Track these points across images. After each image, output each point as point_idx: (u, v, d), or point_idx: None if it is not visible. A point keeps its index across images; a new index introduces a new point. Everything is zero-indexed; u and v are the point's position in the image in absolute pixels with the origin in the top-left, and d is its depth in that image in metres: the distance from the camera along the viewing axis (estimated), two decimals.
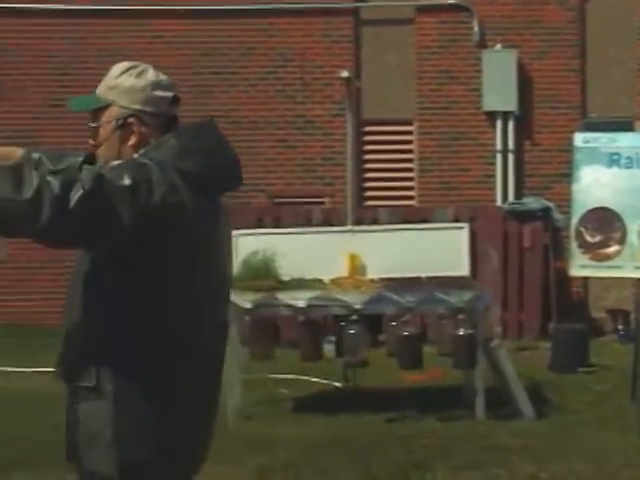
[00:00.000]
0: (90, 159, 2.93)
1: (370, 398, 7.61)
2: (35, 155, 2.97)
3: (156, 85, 2.74)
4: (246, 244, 7.81)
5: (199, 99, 12.12)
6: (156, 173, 2.53)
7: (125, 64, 2.79)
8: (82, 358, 2.63)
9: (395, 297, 7.30)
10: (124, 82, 2.73)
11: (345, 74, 11.95)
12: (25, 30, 12.06)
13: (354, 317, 7.18)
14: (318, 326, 7.53)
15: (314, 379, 8.40)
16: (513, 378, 7.32)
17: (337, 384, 8.10)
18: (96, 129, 2.76)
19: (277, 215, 11.02)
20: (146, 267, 2.59)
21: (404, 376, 8.04)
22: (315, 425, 6.95)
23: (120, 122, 2.71)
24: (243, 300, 7.12)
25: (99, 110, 2.75)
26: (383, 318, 7.74)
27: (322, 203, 12.11)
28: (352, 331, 7.16)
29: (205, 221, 2.66)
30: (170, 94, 2.77)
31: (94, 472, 2.63)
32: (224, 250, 2.80)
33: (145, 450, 2.61)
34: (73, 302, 2.69)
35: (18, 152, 2.97)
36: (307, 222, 10.71)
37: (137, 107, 2.72)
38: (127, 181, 2.48)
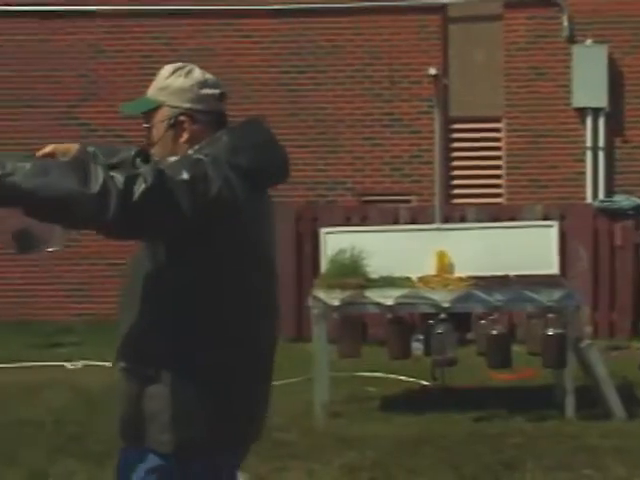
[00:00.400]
0: (140, 153, 3.13)
1: (458, 397, 7.57)
2: (90, 149, 3.14)
3: (203, 83, 2.88)
4: (334, 242, 7.83)
5: (287, 97, 12.21)
6: (211, 168, 2.66)
7: (173, 65, 2.93)
8: (142, 346, 2.77)
9: (484, 295, 7.25)
10: (173, 83, 2.86)
11: (433, 71, 11.90)
12: (118, 31, 12.29)
13: (442, 315, 7.14)
14: (406, 324, 7.51)
15: (401, 377, 8.38)
16: (604, 378, 7.21)
17: (425, 383, 8.07)
18: (150, 129, 2.90)
19: (364, 214, 11.02)
20: (202, 258, 2.71)
21: (493, 375, 7.98)
22: (403, 424, 6.94)
23: (172, 121, 2.85)
24: (331, 298, 7.14)
25: (151, 111, 2.88)
26: (471, 317, 7.68)
27: (409, 201, 12.07)
28: (440, 330, 7.13)
29: (256, 213, 2.81)
30: (217, 91, 2.91)
31: (153, 450, 2.77)
32: (272, 240, 2.94)
33: (199, 432, 2.75)
34: (132, 294, 2.82)
35: (75, 147, 3.14)
36: (394, 220, 10.69)
37: (187, 106, 2.85)
38: (186, 176, 2.60)
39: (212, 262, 2.72)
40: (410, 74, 12.21)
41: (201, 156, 2.70)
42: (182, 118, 2.83)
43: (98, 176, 2.51)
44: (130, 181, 2.52)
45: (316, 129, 12.22)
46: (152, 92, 2.90)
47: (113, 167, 2.95)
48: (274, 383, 7.50)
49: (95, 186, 2.49)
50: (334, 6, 12.22)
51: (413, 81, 12.22)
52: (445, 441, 6.47)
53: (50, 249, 2.92)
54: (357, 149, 12.25)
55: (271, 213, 2.96)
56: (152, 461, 2.77)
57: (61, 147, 3.14)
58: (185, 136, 2.83)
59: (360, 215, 10.95)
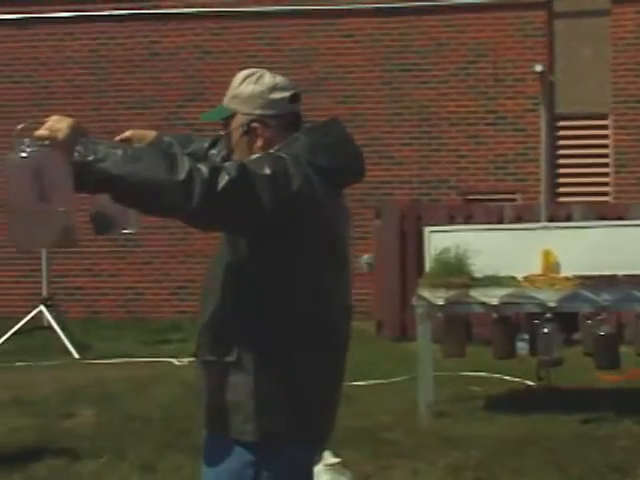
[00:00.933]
0: (214, 144, 3.25)
1: (564, 398, 7.46)
2: (166, 139, 3.21)
3: (273, 88, 2.90)
4: (438, 241, 7.80)
5: (390, 96, 12.21)
6: (292, 165, 2.72)
7: (244, 72, 2.96)
8: (224, 336, 2.82)
9: (591, 295, 7.13)
10: (244, 90, 2.91)
11: (539, 68, 11.76)
12: (224, 33, 12.47)
13: (548, 315, 7.05)
14: (511, 324, 7.43)
15: (506, 377, 8.31)
16: None
17: (530, 383, 7.98)
18: (227, 136, 2.96)
19: (469, 212, 10.95)
20: (282, 252, 2.76)
21: (600, 376, 7.85)
22: (508, 424, 6.87)
23: (245, 128, 2.89)
24: (436, 297, 7.11)
25: (228, 119, 2.93)
26: (578, 317, 7.56)
27: (514, 200, 11.95)
28: (546, 329, 7.03)
29: (333, 211, 2.86)
30: (288, 93, 2.92)
31: (237, 440, 2.81)
32: (347, 237, 2.97)
33: (283, 421, 2.79)
34: (213, 286, 2.89)
35: (152, 134, 3.21)
36: (499, 219, 10.59)
37: (259, 112, 2.89)
38: (267, 171, 2.67)
39: (290, 255, 2.77)
40: (515, 71, 12.09)
41: (283, 154, 2.76)
42: (255, 125, 2.88)
43: (184, 165, 2.57)
44: (214, 172, 2.59)
45: (420, 127, 12.19)
46: (226, 100, 2.95)
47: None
48: (379, 382, 7.48)
49: (181, 174, 2.55)
50: (437, 4, 12.17)
51: (518, 78, 12.09)
52: (550, 442, 6.39)
53: (126, 231, 3.00)
54: (461, 147, 12.18)
55: (347, 212, 2.99)
56: (236, 451, 2.81)
57: (138, 133, 3.26)
58: (259, 142, 2.87)
59: (464, 214, 10.89)
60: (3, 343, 9.94)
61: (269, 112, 2.88)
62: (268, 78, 2.91)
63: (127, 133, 3.25)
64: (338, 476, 4.74)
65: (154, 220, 10.54)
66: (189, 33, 12.58)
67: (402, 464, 5.95)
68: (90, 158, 2.55)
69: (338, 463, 4.76)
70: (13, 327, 10.14)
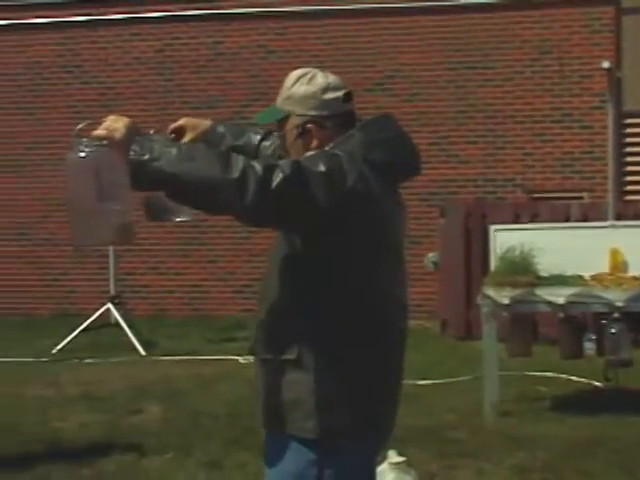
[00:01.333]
0: (266, 136, 3.26)
1: (633, 399, 7.37)
2: (220, 129, 3.21)
3: (326, 88, 2.89)
4: (503, 239, 7.74)
5: (454, 94, 12.15)
6: (347, 162, 2.72)
7: (296, 73, 2.94)
8: (283, 334, 2.81)
9: None
10: (297, 91, 2.89)
11: (606, 65, 11.61)
12: (287, 32, 12.51)
13: (616, 315, 6.96)
14: (578, 324, 7.36)
15: (573, 378, 8.22)
16: None
17: (597, 384, 7.89)
18: (283, 137, 2.95)
19: (534, 211, 10.84)
20: (337, 249, 2.76)
21: None
22: (575, 425, 6.80)
23: (300, 129, 2.88)
24: (501, 296, 7.06)
25: (282, 120, 2.92)
26: None
27: (581, 198, 11.81)
28: (614, 330, 6.94)
29: (389, 207, 2.85)
30: (341, 93, 2.91)
31: (296, 437, 2.80)
32: (402, 234, 2.96)
33: (344, 418, 2.78)
34: (271, 284, 2.88)
35: (205, 124, 3.20)
36: (565, 218, 10.47)
37: (312, 113, 2.88)
38: (322, 168, 2.67)
39: (346, 252, 2.77)
40: (581, 68, 11.95)
41: (337, 151, 2.76)
42: (309, 126, 2.87)
43: (239, 163, 2.59)
44: (268, 170, 2.59)
45: (485, 126, 12.11)
46: (280, 101, 2.94)
47: (238, 149, 3.14)
48: (444, 381, 7.45)
49: (235, 172, 2.57)
50: (502, 1, 12.08)
51: (584, 75, 11.95)
52: (619, 444, 6.30)
53: (179, 219, 3.03)
54: (527, 145, 12.08)
55: (403, 209, 2.98)
56: (298, 450, 2.81)
57: (192, 121, 3.28)
58: (315, 142, 2.86)
59: (530, 212, 10.78)
60: (72, 340, 10.08)
61: (323, 113, 2.87)
62: (321, 78, 2.90)
63: (181, 121, 3.27)
64: (403, 475, 4.73)
65: (219, 219, 10.63)
66: (252, 33, 12.65)
67: (467, 464, 5.92)
68: (145, 157, 2.58)
69: (403, 462, 4.75)
70: (82, 324, 10.27)
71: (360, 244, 2.78)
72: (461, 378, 8.25)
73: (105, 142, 2.63)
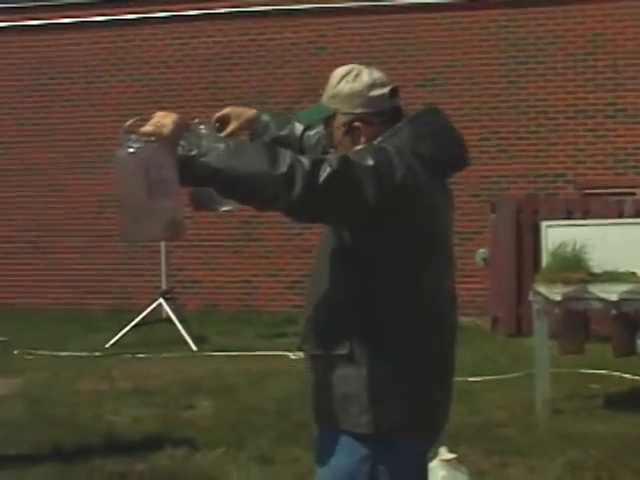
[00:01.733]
0: (310, 126, 3.27)
1: None
2: (264, 118, 3.22)
3: (372, 85, 2.88)
4: (555, 235, 7.69)
5: (507, 89, 12.08)
6: (395, 156, 2.72)
7: (341, 71, 2.94)
8: (335, 329, 2.82)
9: None
10: (343, 89, 2.89)
11: None
12: (338, 28, 12.52)
13: None
14: (631, 321, 7.29)
15: (626, 375, 8.14)
16: None
17: None
18: (330, 134, 2.96)
19: (586, 207, 10.75)
20: (389, 242, 2.76)
21: None
22: (627, 422, 6.74)
23: (347, 127, 2.89)
24: (553, 293, 7.01)
25: (329, 118, 2.93)
26: None
27: (634, 194, 11.68)
28: None
29: (437, 200, 2.85)
30: (387, 89, 2.90)
31: (349, 432, 2.81)
32: (451, 226, 2.97)
33: (397, 412, 2.79)
34: (320, 280, 2.90)
35: (250, 112, 3.23)
36: (618, 214, 10.37)
37: (359, 111, 2.88)
38: (371, 162, 2.67)
39: (396, 246, 2.77)
40: (635, 63, 11.82)
41: (386, 145, 2.77)
42: (356, 124, 2.87)
43: (286, 158, 2.59)
44: (316, 165, 2.60)
45: (537, 121, 12.03)
46: (325, 99, 2.94)
47: (281, 139, 3.18)
48: (495, 378, 7.40)
49: (283, 167, 2.57)
50: None
51: (638, 70, 11.81)
52: None
53: (225, 209, 3.04)
54: (579, 141, 11.97)
55: (451, 202, 2.98)
56: (351, 445, 2.81)
57: (236, 110, 3.29)
58: (362, 140, 2.87)
59: (582, 208, 10.69)
60: (125, 335, 10.19)
61: (370, 110, 2.87)
62: (366, 76, 2.89)
63: (225, 110, 3.28)
64: (454, 472, 4.72)
65: (270, 215, 10.69)
66: (303, 29, 12.67)
67: (518, 461, 5.89)
68: (193, 152, 2.61)
69: (454, 459, 4.75)
70: (134, 320, 10.38)
71: (410, 238, 2.78)
72: (512, 375, 8.20)
73: (153, 138, 2.65)
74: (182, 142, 2.63)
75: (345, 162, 2.64)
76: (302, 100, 12.27)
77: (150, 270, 12.62)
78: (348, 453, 2.83)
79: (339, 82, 2.90)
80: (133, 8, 13.06)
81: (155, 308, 10.56)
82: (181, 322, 10.28)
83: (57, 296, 13.31)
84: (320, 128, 3.18)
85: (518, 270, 10.58)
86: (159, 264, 11.26)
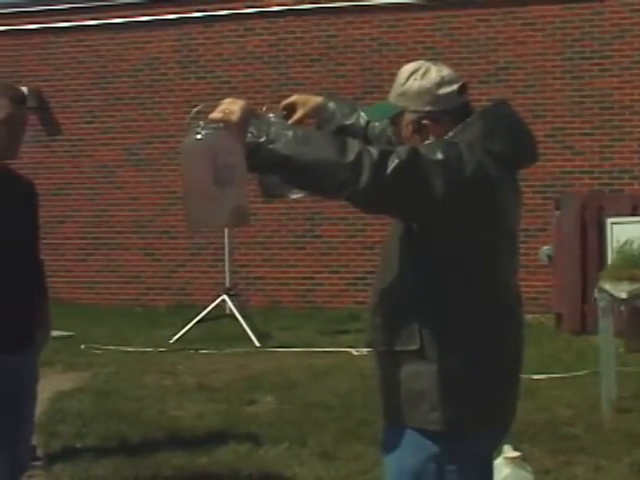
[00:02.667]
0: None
1: None
2: (331, 106, 3.22)
3: (440, 83, 2.86)
4: (620, 232, 7.61)
5: (570, 85, 11.95)
6: (465, 151, 2.71)
7: (408, 68, 2.92)
8: (404, 324, 2.80)
9: None
10: (411, 87, 2.87)
11: None
12: (401, 24, 12.48)
13: None
14: None
15: None
16: None
17: None
18: (397, 132, 2.97)
19: None
20: (458, 237, 2.75)
21: None
22: None
23: (416, 126, 2.88)
24: (618, 290, 6.92)
25: (396, 116, 2.93)
26: None
27: None
28: None
29: (508, 196, 2.84)
30: (455, 87, 2.88)
31: (420, 429, 2.80)
32: (518, 221, 2.94)
33: (468, 408, 2.77)
34: (387, 275, 2.89)
35: (317, 100, 3.25)
36: None
37: (427, 109, 2.87)
38: (440, 156, 2.66)
39: (466, 241, 2.76)
40: None
41: (456, 140, 2.76)
42: (425, 122, 2.86)
43: (354, 147, 2.61)
44: (384, 155, 2.61)
45: (602, 116, 11.88)
46: (393, 97, 2.93)
47: (346, 128, 3.18)
48: (559, 376, 7.33)
49: (351, 156, 2.58)
50: None
51: None
52: None
53: (295, 196, 3.04)
54: None
55: (519, 198, 2.96)
56: (419, 442, 2.81)
57: (303, 98, 3.30)
58: (431, 137, 2.85)
59: None
60: (188, 331, 10.28)
61: (438, 108, 2.86)
62: (434, 73, 2.87)
63: (292, 98, 3.29)
64: (518, 470, 4.70)
65: (333, 212, 10.74)
66: (366, 26, 12.66)
67: (583, 460, 5.84)
68: (262, 139, 2.61)
69: (518, 457, 4.73)
70: (198, 315, 10.46)
71: (480, 234, 2.77)
72: (577, 373, 8.12)
73: (222, 125, 2.66)
74: (251, 129, 2.64)
75: (414, 154, 2.64)
76: (365, 97, 12.27)
77: (214, 267, 12.72)
78: (415, 451, 2.82)
79: (407, 79, 2.89)
80: (198, 6, 13.15)
81: (218, 304, 10.64)
82: (244, 318, 10.35)
83: (121, 292, 13.48)
84: (384, 120, 3.18)
85: (583, 267, 10.47)
86: (223, 261, 11.34)
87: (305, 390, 7.79)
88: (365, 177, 2.57)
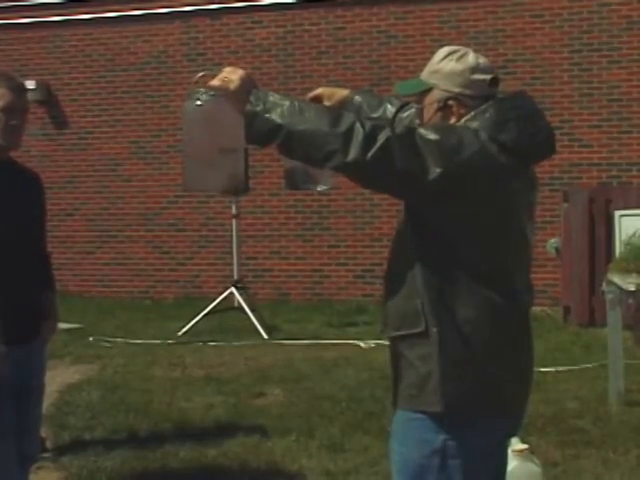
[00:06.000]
0: (402, 108, 3.28)
1: None
2: (357, 99, 3.24)
3: (475, 69, 2.89)
4: (628, 225, 7.61)
5: (579, 77, 11.92)
6: (468, 136, 2.72)
7: (447, 49, 2.95)
8: (410, 309, 2.82)
9: None
10: (445, 67, 2.90)
11: None
12: (409, 17, 12.46)
13: None
14: None
15: None
16: None
17: None
18: (420, 110, 2.96)
19: None
20: (459, 223, 2.76)
21: None
22: None
23: (441, 104, 2.89)
24: (627, 283, 6.91)
25: (423, 93, 2.94)
26: None
27: None
28: None
29: (515, 185, 2.81)
30: (489, 76, 2.91)
31: (426, 412, 2.82)
32: (530, 211, 2.93)
33: (470, 393, 2.79)
34: (395, 262, 2.93)
35: (343, 93, 3.25)
36: None
37: (457, 90, 2.88)
38: (434, 136, 2.69)
39: (467, 227, 2.77)
40: None
41: (464, 125, 2.79)
42: (451, 102, 2.88)
43: (349, 119, 2.65)
44: (376, 128, 2.65)
45: (610, 109, 11.85)
46: (425, 74, 2.95)
47: (373, 121, 3.08)
48: (567, 368, 7.31)
49: (342, 127, 2.63)
50: None
51: None
52: None
53: (320, 188, 3.07)
54: None
55: (533, 187, 2.95)
56: (425, 432, 2.82)
57: (328, 90, 3.33)
58: (453, 119, 2.87)
59: None
60: (196, 323, 10.30)
61: (467, 92, 2.88)
62: (471, 58, 2.91)
63: (318, 90, 3.32)
64: (526, 462, 4.70)
65: (341, 204, 10.77)
66: (373, 18, 12.64)
67: (591, 453, 5.84)
68: (259, 108, 2.67)
69: (526, 449, 4.73)
70: (206, 308, 10.47)
71: (481, 220, 2.77)
72: (585, 366, 8.12)
73: (221, 92, 2.70)
74: (251, 98, 2.69)
75: (407, 131, 2.69)
76: (373, 89, 12.25)
77: (221, 259, 12.74)
78: (420, 444, 2.83)
79: (443, 59, 2.92)
80: None
81: (226, 297, 10.65)
82: (252, 311, 10.35)
83: (129, 284, 13.51)
84: (411, 111, 3.19)
85: (591, 260, 10.46)
86: (231, 253, 11.35)
87: (313, 382, 7.81)
88: (354, 148, 2.61)
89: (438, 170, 2.64)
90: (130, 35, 13.52)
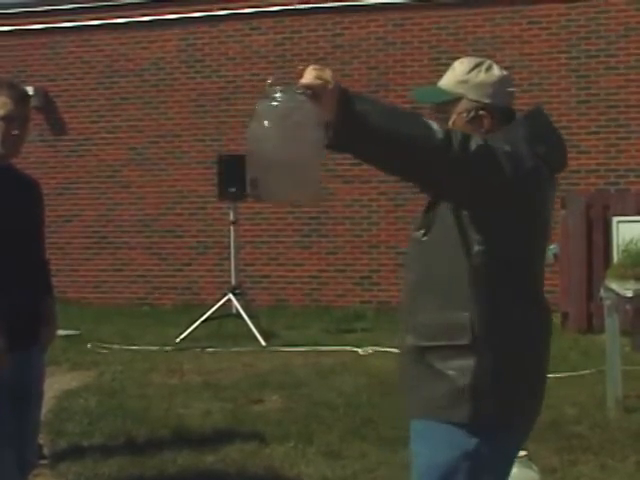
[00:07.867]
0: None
1: None
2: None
3: (504, 80, 2.96)
4: (626, 231, 7.61)
5: (576, 84, 11.94)
6: (523, 147, 2.79)
7: (472, 60, 2.98)
8: (452, 319, 2.82)
9: None
10: (475, 77, 2.93)
11: None
12: (406, 23, 12.48)
13: None
14: None
15: None
16: None
17: None
18: (442, 120, 2.93)
19: None
20: (502, 228, 2.78)
21: None
22: None
23: (472, 114, 2.91)
24: (624, 289, 6.92)
25: (444, 103, 2.94)
26: None
27: None
28: None
29: (548, 196, 2.91)
30: (513, 89, 3.00)
31: (458, 424, 2.81)
32: (550, 222, 2.98)
33: (493, 403, 2.80)
34: (425, 269, 2.89)
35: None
36: None
37: (487, 101, 2.92)
38: (507, 147, 2.73)
39: (509, 233, 2.80)
40: None
41: (508, 138, 2.82)
42: (482, 112, 2.91)
43: (437, 126, 2.63)
44: (467, 135, 2.65)
45: (607, 115, 11.87)
46: (449, 84, 2.95)
47: None
48: (565, 374, 7.32)
49: (439, 133, 2.58)
50: None
51: None
52: None
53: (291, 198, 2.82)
54: None
55: (554, 197, 3.01)
56: (455, 436, 2.82)
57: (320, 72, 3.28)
58: (482, 130, 2.89)
59: None
60: (194, 330, 10.29)
61: (497, 103, 2.92)
62: (497, 70, 2.96)
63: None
64: (524, 469, 4.70)
65: (339, 211, 10.76)
66: (371, 25, 12.67)
67: (590, 459, 5.84)
68: (364, 108, 2.53)
69: (525, 456, 4.72)
70: (204, 315, 10.47)
71: (523, 227, 2.82)
72: (583, 372, 8.13)
73: (308, 92, 2.49)
74: (353, 98, 2.54)
75: (487, 142, 2.69)
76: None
77: (219, 265, 12.75)
78: (450, 447, 2.83)
79: (471, 70, 2.94)
80: (203, 6, 13.16)
81: (224, 303, 10.64)
82: (250, 317, 10.35)
83: (127, 291, 13.50)
84: None
85: (588, 266, 10.47)
86: (229, 259, 11.35)
87: (311, 389, 7.80)
88: (454, 147, 2.58)
89: (513, 178, 2.70)
90: (128, 42, 13.54)
